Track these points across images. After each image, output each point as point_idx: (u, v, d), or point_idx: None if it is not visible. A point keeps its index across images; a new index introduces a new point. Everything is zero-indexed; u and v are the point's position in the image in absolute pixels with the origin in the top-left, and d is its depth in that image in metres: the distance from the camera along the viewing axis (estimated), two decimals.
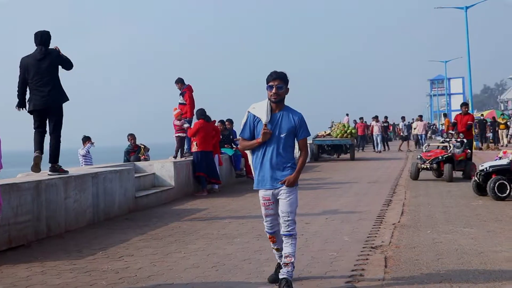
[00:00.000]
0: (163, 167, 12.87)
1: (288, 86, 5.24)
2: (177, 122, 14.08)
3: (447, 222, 8.53)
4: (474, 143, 24.73)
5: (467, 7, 34.25)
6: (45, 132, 8.90)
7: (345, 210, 10.04)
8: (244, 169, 16.57)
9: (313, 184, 15.03)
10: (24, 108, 8.83)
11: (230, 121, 17.24)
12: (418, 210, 9.83)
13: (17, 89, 8.83)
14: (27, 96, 8.83)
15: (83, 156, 16.17)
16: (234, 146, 16.59)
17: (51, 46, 8.84)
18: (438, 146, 16.19)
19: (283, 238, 5.18)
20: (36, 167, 8.74)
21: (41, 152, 8.80)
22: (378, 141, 31.21)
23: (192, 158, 13.90)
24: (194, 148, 13.75)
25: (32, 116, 8.83)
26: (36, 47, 8.78)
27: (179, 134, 14.19)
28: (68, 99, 8.94)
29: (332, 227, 8.38)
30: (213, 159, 13.95)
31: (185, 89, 14.39)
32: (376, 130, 31.19)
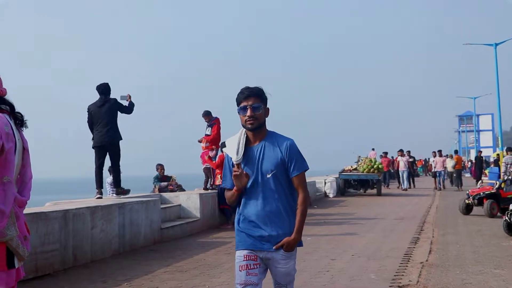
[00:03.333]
0: (189, 199, 12.89)
1: (268, 106, 3.83)
2: (211, 153, 14.09)
3: (477, 263, 8.35)
4: None
5: (496, 44, 34.08)
6: (103, 166, 10.83)
7: (372, 247, 9.90)
8: None
9: (339, 219, 14.89)
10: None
11: None
12: (446, 249, 9.65)
13: (89, 129, 10.83)
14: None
15: (110, 184, 16.29)
16: None
17: (124, 93, 11.06)
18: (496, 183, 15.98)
19: None
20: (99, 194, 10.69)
21: (101, 192, 10.76)
22: (404, 177, 29.24)
23: (217, 190, 13.92)
24: (218, 181, 13.77)
25: (94, 151, 10.74)
26: (99, 96, 10.76)
27: (208, 165, 14.23)
28: (121, 138, 10.79)
29: (358, 264, 8.27)
30: None
31: (214, 121, 14.47)
32: (402, 165, 29.35)
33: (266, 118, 3.82)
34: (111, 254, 9.10)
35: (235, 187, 3.74)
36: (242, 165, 3.73)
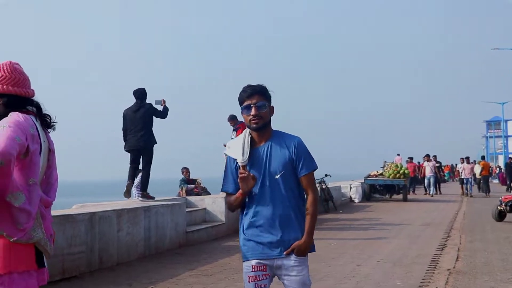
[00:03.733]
0: (214, 202, 12.92)
1: (272, 104, 3.65)
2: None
3: (506, 270, 8.21)
4: None
5: None
6: (138, 167, 11.23)
7: (398, 253, 9.81)
8: None
9: (364, 224, 14.79)
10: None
11: None
12: (474, 256, 9.51)
13: (123, 134, 11.14)
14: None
15: (136, 187, 16.42)
16: None
17: (159, 98, 11.35)
18: None
19: None
20: (127, 193, 10.95)
21: (132, 182, 11.21)
22: (431, 183, 28.70)
23: None
24: None
25: (129, 154, 11.16)
26: (135, 101, 11.09)
27: None
28: (156, 142, 11.07)
29: (384, 270, 8.19)
30: None
31: (239, 125, 14.50)
32: (428, 171, 28.85)
33: (272, 117, 3.64)
34: (137, 257, 9.16)
35: (239, 191, 3.53)
36: (248, 167, 3.53)
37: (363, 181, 25.49)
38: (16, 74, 3.28)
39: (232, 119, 14.62)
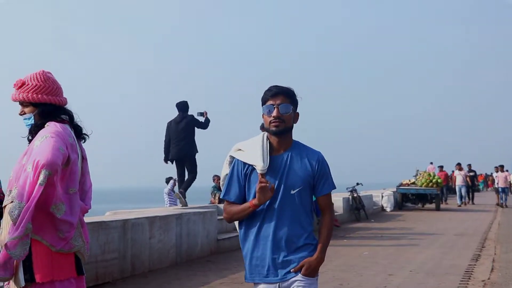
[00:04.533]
0: None
1: (298, 110, 3.32)
2: None
3: None
4: None
5: None
6: (184, 176, 11.64)
7: (430, 263, 9.68)
8: None
9: (396, 234, 14.65)
10: (168, 161, 11.60)
11: None
12: (509, 267, 9.33)
13: (164, 145, 11.62)
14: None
15: (167, 194, 16.58)
16: None
17: (201, 110, 11.80)
18: None
19: None
20: (182, 201, 11.49)
21: (184, 190, 11.53)
22: (462, 192, 27.82)
23: None
24: None
25: (172, 164, 11.63)
26: (178, 112, 11.62)
27: None
28: (197, 151, 11.54)
29: (416, 280, 8.10)
30: None
31: None
32: (459, 180, 27.97)
33: (295, 125, 3.31)
34: (168, 264, 9.22)
35: (252, 201, 3.14)
36: (267, 177, 3.18)
37: (395, 189, 25.26)
38: (50, 83, 3.32)
39: (264, 127, 14.68)
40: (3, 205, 3.26)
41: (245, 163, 3.22)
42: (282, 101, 3.18)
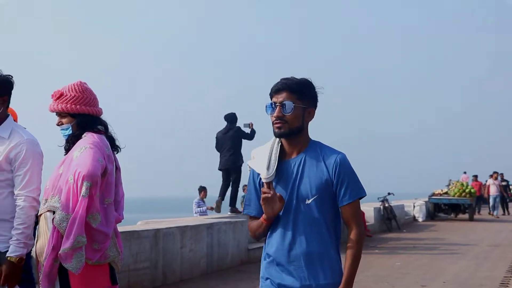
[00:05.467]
0: None
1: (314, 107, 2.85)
2: None
3: None
4: None
5: None
6: (228, 185, 12.03)
7: (464, 275, 9.52)
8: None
9: (429, 244, 14.45)
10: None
11: None
12: None
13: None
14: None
15: (197, 204, 16.63)
16: None
17: (247, 121, 12.13)
18: None
19: None
20: (217, 209, 12.41)
21: (222, 198, 12.18)
22: (496, 203, 26.89)
23: None
24: None
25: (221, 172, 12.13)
26: (226, 124, 12.04)
27: None
28: (243, 162, 11.82)
29: None
30: None
31: None
32: (493, 190, 27.09)
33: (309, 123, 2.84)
34: (199, 273, 9.24)
35: (263, 215, 2.75)
36: (274, 185, 2.75)
37: (427, 199, 24.97)
38: (87, 94, 3.36)
39: None
40: (39, 214, 3.31)
41: (256, 172, 2.84)
42: (285, 98, 2.74)
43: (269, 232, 2.81)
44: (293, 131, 2.74)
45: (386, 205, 19.06)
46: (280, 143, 2.81)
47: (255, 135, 12.14)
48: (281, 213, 2.74)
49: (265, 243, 2.86)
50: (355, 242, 2.72)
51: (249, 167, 2.92)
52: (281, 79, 2.78)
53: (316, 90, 2.83)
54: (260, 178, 2.81)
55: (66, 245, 3.02)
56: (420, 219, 23.54)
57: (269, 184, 2.73)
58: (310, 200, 2.72)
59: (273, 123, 2.76)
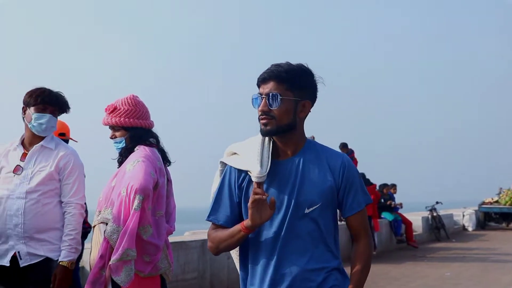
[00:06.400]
0: None
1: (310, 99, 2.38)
2: None
3: None
4: None
5: None
6: None
7: None
8: (405, 235, 16.06)
9: (479, 254, 14.12)
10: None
11: (393, 186, 16.91)
12: None
13: None
14: None
15: None
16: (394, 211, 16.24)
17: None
18: None
19: None
20: None
21: None
22: None
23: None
24: None
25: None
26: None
27: None
28: None
29: None
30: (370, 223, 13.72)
31: (351, 154, 14.28)
32: None
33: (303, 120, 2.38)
34: None
35: (243, 223, 2.23)
36: (264, 187, 2.27)
37: (477, 208, 24.43)
38: (140, 107, 3.43)
39: (344, 147, 14.41)
40: (93, 225, 3.39)
41: (240, 171, 2.34)
42: (271, 89, 2.27)
43: (251, 248, 2.32)
44: (281, 128, 2.29)
45: (435, 214, 18.73)
46: (272, 140, 2.35)
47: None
48: (269, 225, 2.27)
49: (241, 269, 2.45)
50: (363, 253, 2.36)
51: (223, 165, 2.47)
52: (271, 65, 2.32)
53: (315, 79, 2.36)
54: (239, 179, 2.35)
55: (114, 256, 3.07)
56: (470, 229, 23.04)
57: (259, 185, 2.25)
58: (311, 209, 2.28)
59: (258, 119, 2.31)
